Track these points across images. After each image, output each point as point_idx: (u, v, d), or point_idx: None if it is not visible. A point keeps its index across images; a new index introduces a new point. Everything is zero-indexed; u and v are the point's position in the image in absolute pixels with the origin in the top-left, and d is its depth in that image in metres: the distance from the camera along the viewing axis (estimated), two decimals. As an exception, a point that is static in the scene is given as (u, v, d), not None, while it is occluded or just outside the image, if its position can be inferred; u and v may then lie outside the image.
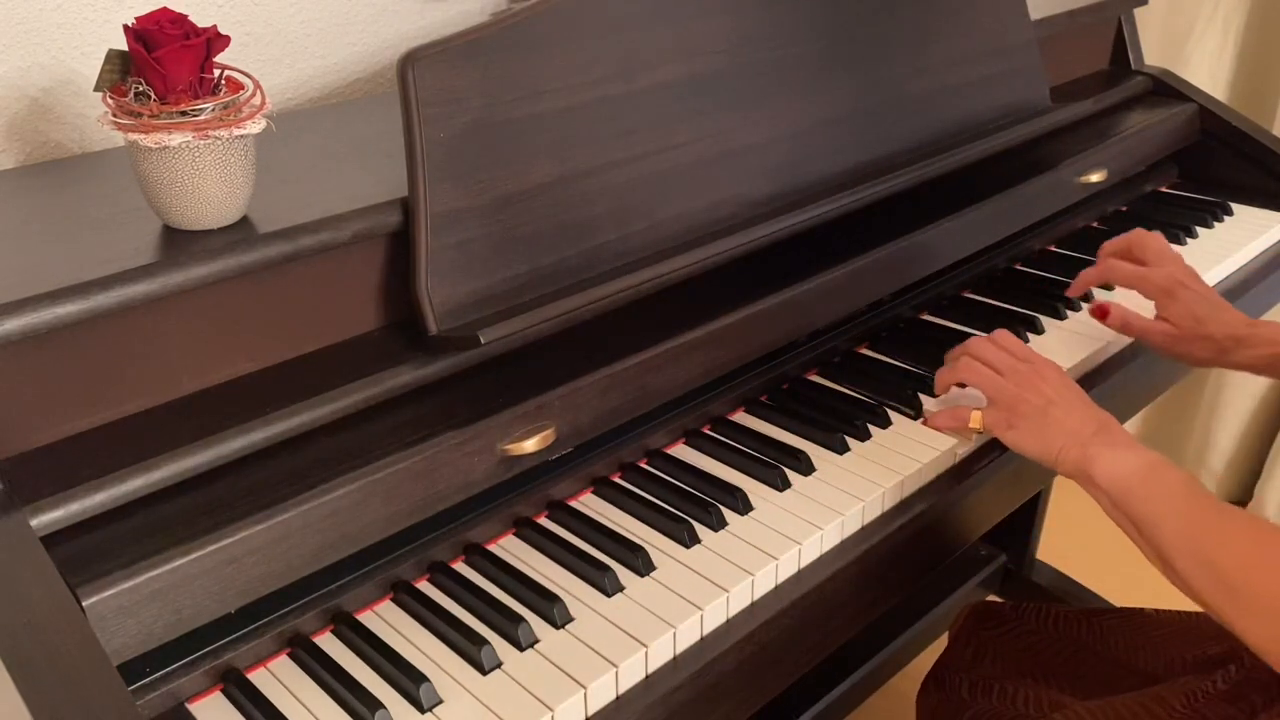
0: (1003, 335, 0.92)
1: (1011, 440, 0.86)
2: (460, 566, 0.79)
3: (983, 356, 0.90)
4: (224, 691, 0.68)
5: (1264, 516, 1.98)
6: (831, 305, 0.98)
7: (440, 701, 0.67)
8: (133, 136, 0.70)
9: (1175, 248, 1.26)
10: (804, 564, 0.80)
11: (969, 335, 1.06)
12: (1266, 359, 0.96)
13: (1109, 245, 1.06)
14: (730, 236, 0.90)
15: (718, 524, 0.81)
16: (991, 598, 1.81)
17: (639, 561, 0.77)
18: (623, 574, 0.76)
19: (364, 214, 0.77)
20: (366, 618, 0.74)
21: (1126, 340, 1.07)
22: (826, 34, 1.02)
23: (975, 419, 0.89)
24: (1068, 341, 1.06)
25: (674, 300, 0.87)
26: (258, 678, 0.69)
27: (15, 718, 0.53)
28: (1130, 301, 1.06)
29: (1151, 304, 1.02)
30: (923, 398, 0.96)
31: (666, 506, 0.83)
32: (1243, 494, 2.07)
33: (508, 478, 0.78)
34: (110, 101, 0.72)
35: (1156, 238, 1.04)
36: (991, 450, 0.92)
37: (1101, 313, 1.03)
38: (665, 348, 0.84)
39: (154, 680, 0.66)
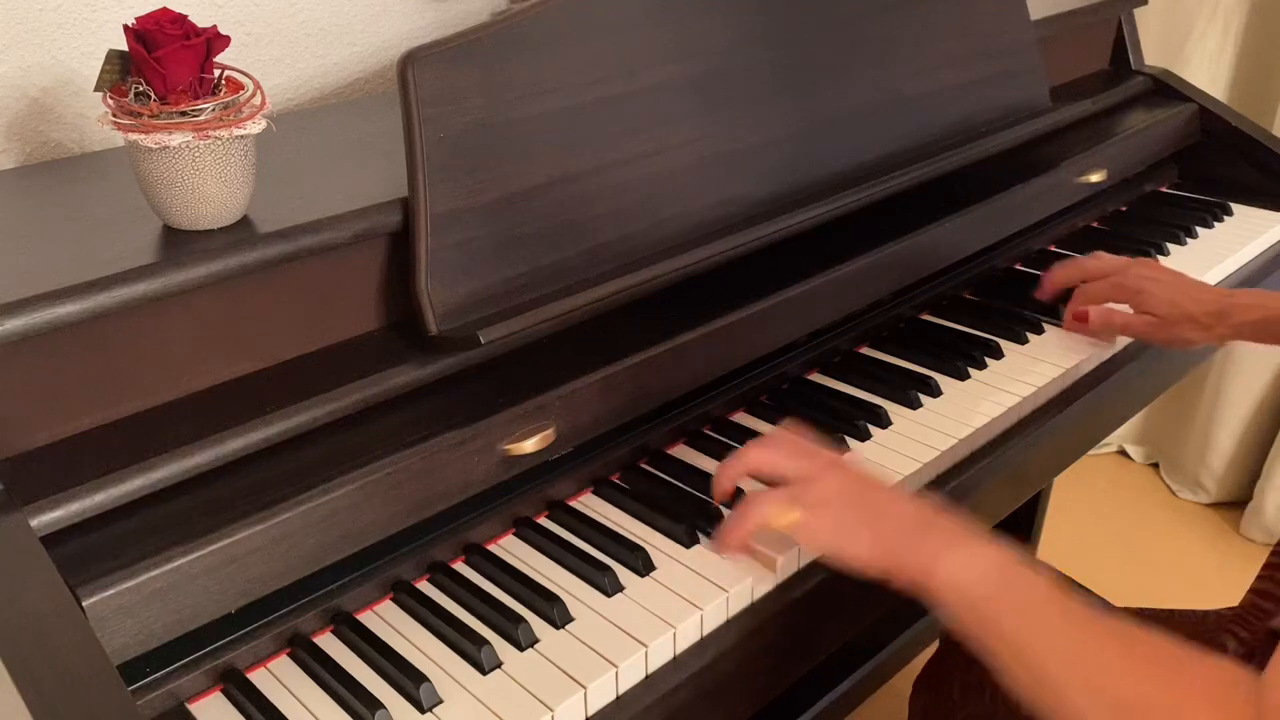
0: (782, 433, 0.77)
1: (826, 542, 0.70)
2: (460, 566, 0.79)
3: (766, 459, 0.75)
4: (224, 691, 0.68)
5: (1260, 521, 1.98)
6: (831, 305, 0.98)
7: (440, 701, 0.67)
8: (133, 136, 0.70)
9: (1175, 248, 1.27)
10: (805, 562, 0.79)
11: (969, 335, 1.07)
12: (1253, 325, 0.96)
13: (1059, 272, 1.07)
14: (730, 236, 0.90)
15: (718, 524, 0.81)
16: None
17: (639, 561, 0.77)
18: (623, 574, 0.76)
19: (364, 214, 0.77)
20: (366, 618, 0.74)
21: (1126, 340, 1.07)
22: (828, 34, 1.01)
23: (781, 518, 0.71)
24: (1067, 342, 1.06)
25: (674, 300, 0.87)
26: (258, 678, 0.69)
27: (15, 718, 0.53)
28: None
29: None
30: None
31: (667, 506, 0.83)
32: (1243, 494, 2.07)
33: (508, 478, 0.78)
34: (110, 101, 0.72)
35: (1097, 255, 1.06)
36: (992, 449, 0.92)
37: (1082, 318, 1.04)
38: (665, 348, 0.84)
39: (154, 680, 0.66)
